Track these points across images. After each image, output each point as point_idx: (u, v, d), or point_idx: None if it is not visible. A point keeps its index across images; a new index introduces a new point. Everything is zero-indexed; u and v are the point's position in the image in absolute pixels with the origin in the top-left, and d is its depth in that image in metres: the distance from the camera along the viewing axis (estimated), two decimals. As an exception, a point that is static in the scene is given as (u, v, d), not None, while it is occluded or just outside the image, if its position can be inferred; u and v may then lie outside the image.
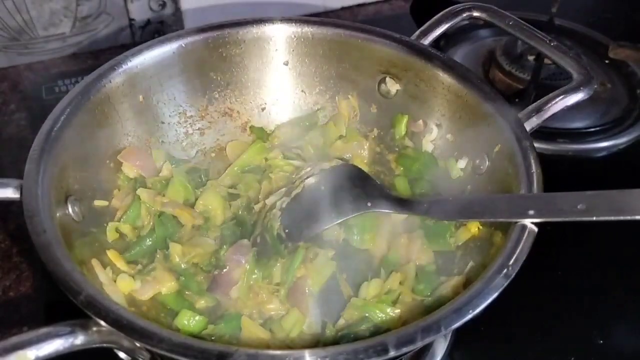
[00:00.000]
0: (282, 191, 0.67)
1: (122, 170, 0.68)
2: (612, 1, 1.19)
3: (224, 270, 0.62)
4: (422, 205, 0.61)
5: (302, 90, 0.79)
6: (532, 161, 0.58)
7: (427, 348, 0.64)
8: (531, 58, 0.92)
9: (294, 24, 0.75)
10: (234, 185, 0.72)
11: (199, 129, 0.76)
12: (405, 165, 0.73)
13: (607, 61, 0.98)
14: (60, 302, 0.49)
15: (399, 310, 0.58)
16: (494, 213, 0.56)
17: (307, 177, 0.66)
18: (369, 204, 0.63)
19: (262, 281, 0.62)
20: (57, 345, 0.45)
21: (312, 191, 0.65)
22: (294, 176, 0.69)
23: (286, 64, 0.77)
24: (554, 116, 0.65)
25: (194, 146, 0.76)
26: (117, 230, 0.64)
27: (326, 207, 0.63)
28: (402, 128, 0.74)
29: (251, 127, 0.78)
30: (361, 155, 0.75)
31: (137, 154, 0.69)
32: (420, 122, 0.73)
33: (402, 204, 0.63)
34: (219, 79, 0.76)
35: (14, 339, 0.44)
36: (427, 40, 0.73)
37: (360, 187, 0.64)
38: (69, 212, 0.58)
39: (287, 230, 0.63)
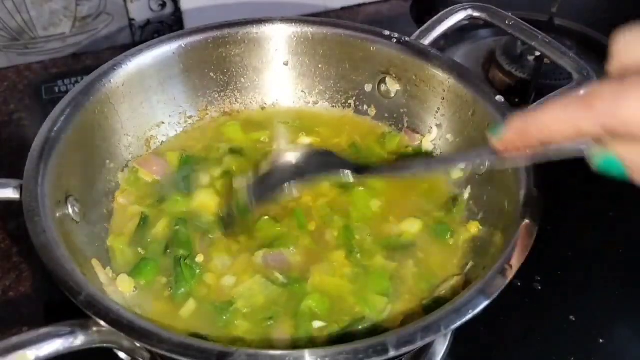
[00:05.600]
0: (250, 174, 0.66)
1: (122, 171, 0.68)
2: (612, 1, 1.19)
3: None
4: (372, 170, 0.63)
5: (302, 91, 0.79)
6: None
7: (427, 348, 0.64)
8: (531, 58, 0.92)
9: (294, 24, 0.75)
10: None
11: (199, 129, 0.76)
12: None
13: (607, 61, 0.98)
14: (60, 302, 0.49)
15: (398, 311, 0.58)
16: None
17: (275, 159, 0.65)
18: (330, 170, 0.62)
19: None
20: (57, 345, 0.45)
21: (279, 168, 0.63)
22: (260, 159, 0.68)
23: (286, 64, 0.77)
24: (554, 116, 0.65)
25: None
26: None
27: (291, 177, 0.62)
28: (394, 144, 0.74)
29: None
30: None
31: (153, 161, 0.70)
32: (418, 135, 0.73)
33: (359, 169, 0.62)
34: (219, 79, 0.76)
35: (14, 339, 0.44)
36: (427, 40, 0.73)
37: (326, 159, 0.64)
38: (69, 212, 0.58)
39: (253, 200, 0.62)
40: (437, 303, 0.55)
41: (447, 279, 0.60)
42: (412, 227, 0.65)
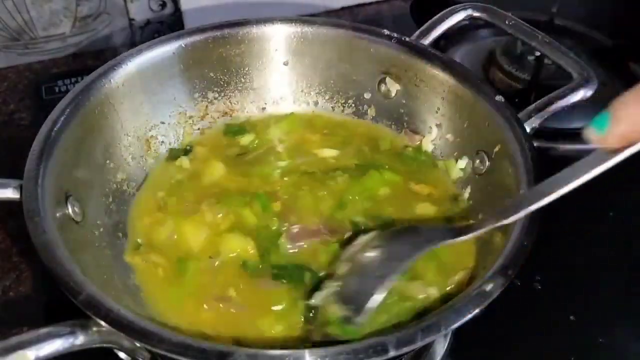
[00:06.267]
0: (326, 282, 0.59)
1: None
2: (612, 1, 1.19)
3: None
4: (477, 222, 0.55)
5: (302, 91, 0.79)
6: (532, 161, 0.59)
7: (427, 348, 0.64)
8: (531, 58, 0.92)
9: (294, 24, 0.75)
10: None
11: (199, 129, 0.76)
12: (404, 166, 0.73)
13: (607, 61, 0.98)
14: (60, 302, 0.49)
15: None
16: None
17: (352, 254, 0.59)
18: (429, 243, 0.57)
19: None
20: (57, 345, 0.45)
21: (363, 266, 0.57)
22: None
23: (286, 64, 0.77)
24: (554, 116, 0.65)
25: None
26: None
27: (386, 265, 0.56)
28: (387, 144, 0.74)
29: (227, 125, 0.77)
30: None
31: None
32: (417, 136, 0.73)
33: (459, 230, 0.57)
34: (219, 79, 0.76)
35: (14, 339, 0.44)
36: (427, 40, 0.73)
37: (415, 234, 0.58)
38: (69, 212, 0.58)
39: (347, 305, 0.54)
40: (446, 299, 0.54)
41: (455, 274, 0.60)
42: (426, 210, 0.65)
